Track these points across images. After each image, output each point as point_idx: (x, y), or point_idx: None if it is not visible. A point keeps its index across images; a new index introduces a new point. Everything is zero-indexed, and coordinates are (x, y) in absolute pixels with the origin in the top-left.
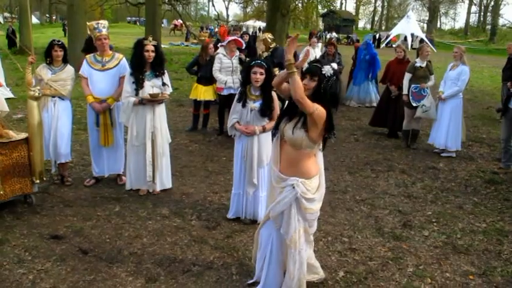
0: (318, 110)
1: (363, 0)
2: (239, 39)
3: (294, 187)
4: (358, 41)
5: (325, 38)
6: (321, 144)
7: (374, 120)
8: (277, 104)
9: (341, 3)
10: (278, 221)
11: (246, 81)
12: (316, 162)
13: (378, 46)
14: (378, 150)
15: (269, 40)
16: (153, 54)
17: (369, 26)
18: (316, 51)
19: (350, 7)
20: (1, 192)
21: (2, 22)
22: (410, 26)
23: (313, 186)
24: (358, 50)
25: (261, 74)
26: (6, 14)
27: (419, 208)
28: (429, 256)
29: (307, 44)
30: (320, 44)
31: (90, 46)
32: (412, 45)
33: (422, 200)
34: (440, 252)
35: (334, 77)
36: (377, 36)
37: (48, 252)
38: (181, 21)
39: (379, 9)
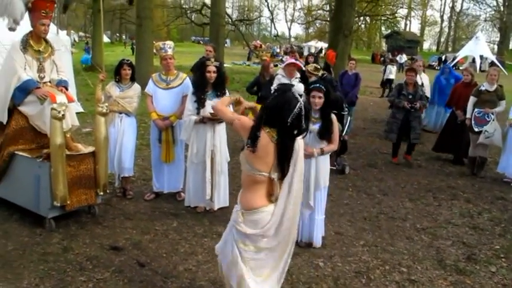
0: (239, 121)
1: (429, 21)
2: (298, 62)
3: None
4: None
5: (386, 59)
6: (275, 173)
7: (438, 146)
8: (336, 126)
9: (405, 24)
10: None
11: None
12: (262, 195)
13: None
14: (441, 177)
15: (311, 71)
16: (214, 75)
17: (434, 48)
18: (423, 78)
19: (415, 28)
20: (68, 202)
21: (77, 41)
22: (479, 47)
23: (250, 220)
24: (436, 77)
25: (320, 97)
26: (81, 34)
27: (486, 241)
28: None
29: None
30: (394, 69)
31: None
32: (481, 67)
33: (489, 232)
34: None
35: (276, 93)
36: (443, 57)
37: (107, 262)
38: (260, 42)
39: (446, 30)
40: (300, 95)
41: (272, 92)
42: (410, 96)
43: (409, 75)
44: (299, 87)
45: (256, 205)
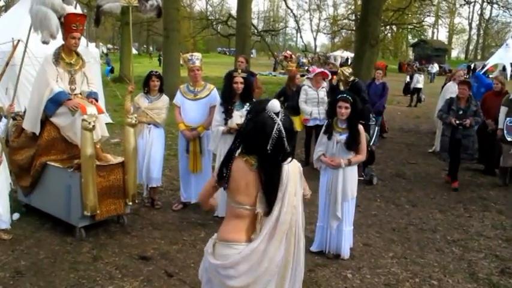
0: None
1: (457, 28)
2: (326, 71)
3: None
4: (450, 71)
5: (409, 68)
6: (260, 206)
7: None
8: (363, 137)
9: (432, 33)
10: None
11: (331, 114)
12: (240, 230)
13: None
14: (472, 187)
15: (346, 74)
16: (241, 86)
17: (463, 56)
18: None
19: (442, 36)
20: (98, 212)
21: (105, 52)
22: (510, 54)
23: (219, 254)
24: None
25: (346, 108)
26: (109, 46)
27: None
28: None
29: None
30: (422, 78)
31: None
32: (511, 75)
33: None
34: None
35: (249, 116)
36: (472, 66)
37: (136, 272)
38: (289, 52)
39: (474, 37)
40: (277, 114)
41: (245, 115)
42: (460, 112)
43: (461, 88)
44: (274, 105)
45: (230, 238)
